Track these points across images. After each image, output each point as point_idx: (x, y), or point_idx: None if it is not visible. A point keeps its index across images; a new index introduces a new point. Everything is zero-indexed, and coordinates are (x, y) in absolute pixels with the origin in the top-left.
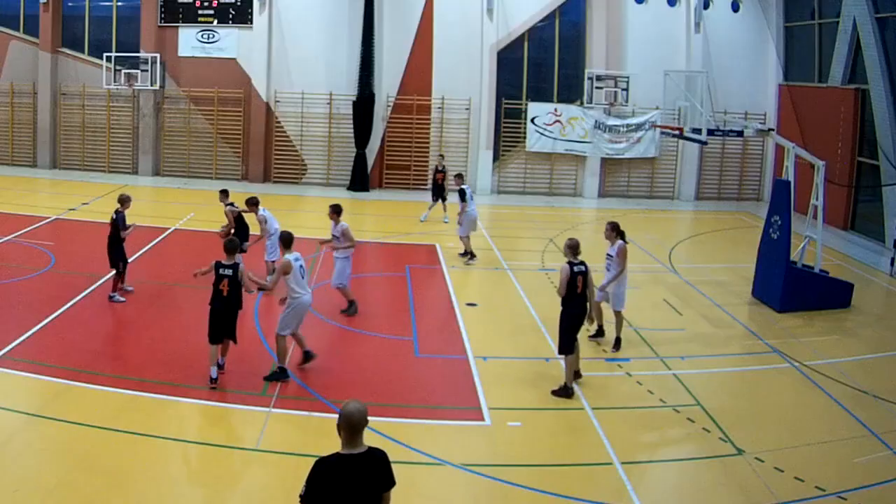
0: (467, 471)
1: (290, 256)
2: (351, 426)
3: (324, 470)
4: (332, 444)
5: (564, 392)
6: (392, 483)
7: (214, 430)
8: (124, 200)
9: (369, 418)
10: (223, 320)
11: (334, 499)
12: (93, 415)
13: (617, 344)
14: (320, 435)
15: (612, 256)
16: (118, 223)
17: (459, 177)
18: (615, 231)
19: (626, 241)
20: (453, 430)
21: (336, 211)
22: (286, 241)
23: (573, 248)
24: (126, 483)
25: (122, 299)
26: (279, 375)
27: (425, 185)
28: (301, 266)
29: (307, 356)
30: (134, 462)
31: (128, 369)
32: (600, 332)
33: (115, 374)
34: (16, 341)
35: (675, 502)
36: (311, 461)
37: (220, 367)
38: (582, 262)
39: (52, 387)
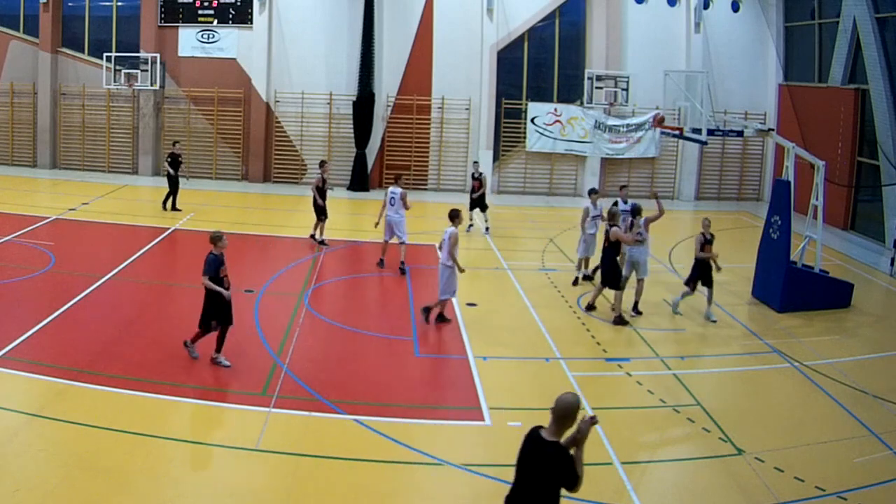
0: (467, 471)
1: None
2: (554, 413)
3: (526, 435)
4: (332, 444)
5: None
6: (569, 485)
7: (214, 430)
8: (217, 239)
9: (373, 418)
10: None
11: (517, 459)
12: (93, 415)
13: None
14: (320, 435)
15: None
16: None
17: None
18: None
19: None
20: (453, 430)
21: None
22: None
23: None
24: (126, 483)
25: (227, 363)
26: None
27: (425, 185)
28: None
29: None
30: (134, 462)
31: (128, 369)
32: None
33: (115, 374)
34: (16, 341)
35: (675, 502)
36: (312, 461)
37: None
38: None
39: (52, 387)
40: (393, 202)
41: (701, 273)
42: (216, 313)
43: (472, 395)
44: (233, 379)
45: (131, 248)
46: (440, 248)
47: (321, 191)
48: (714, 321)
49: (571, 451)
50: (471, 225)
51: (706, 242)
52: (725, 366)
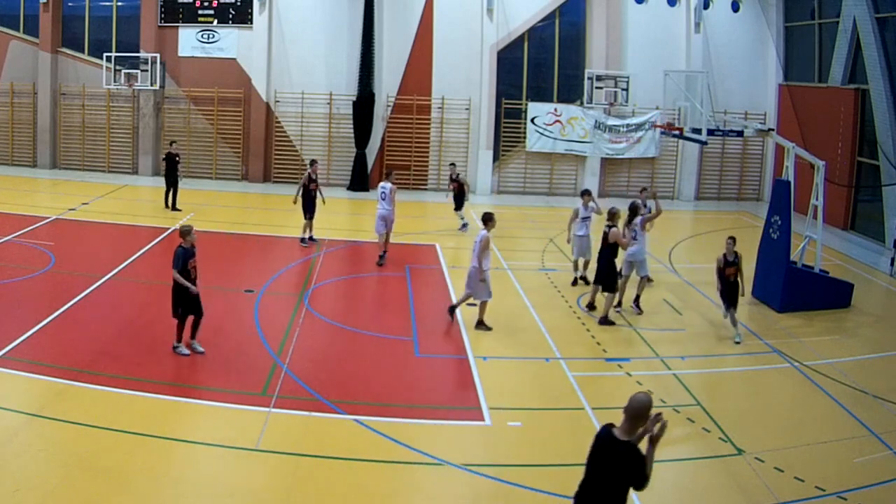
0: (467, 471)
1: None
2: (628, 412)
3: (597, 434)
4: (332, 444)
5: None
6: (638, 484)
7: (214, 430)
8: (185, 233)
9: (373, 418)
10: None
11: (588, 458)
12: (93, 415)
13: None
14: (320, 435)
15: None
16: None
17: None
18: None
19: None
20: (453, 430)
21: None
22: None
23: (613, 214)
24: (126, 483)
25: (187, 352)
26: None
27: (425, 185)
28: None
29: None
30: (134, 462)
31: (128, 369)
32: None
33: (115, 374)
34: (16, 341)
35: (675, 502)
36: (312, 461)
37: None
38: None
39: (52, 387)
40: (384, 196)
41: (727, 292)
42: (184, 303)
43: (472, 395)
44: (233, 379)
45: (131, 248)
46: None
47: (306, 189)
48: (738, 342)
49: (643, 449)
50: (465, 224)
51: (728, 265)
52: (725, 366)
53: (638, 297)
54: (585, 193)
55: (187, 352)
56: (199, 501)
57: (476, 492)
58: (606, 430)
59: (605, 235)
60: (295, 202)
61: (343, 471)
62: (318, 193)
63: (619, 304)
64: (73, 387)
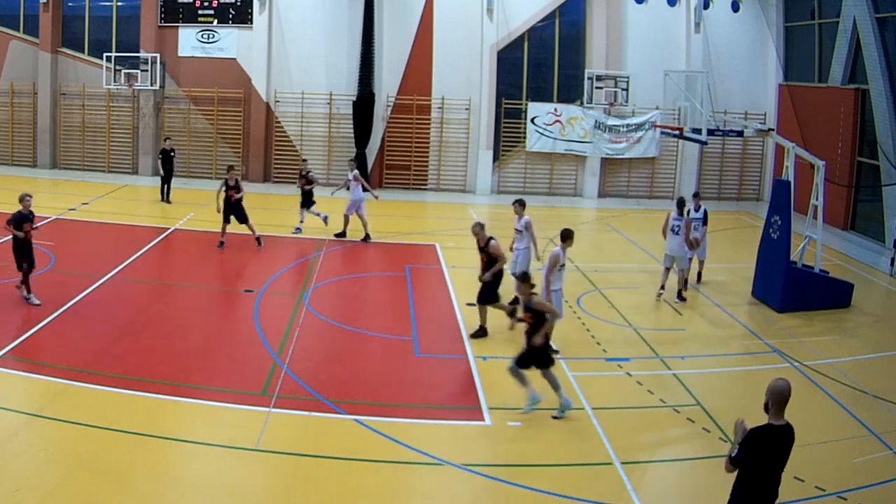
0: (467, 471)
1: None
2: (776, 402)
3: (758, 436)
4: (332, 444)
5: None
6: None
7: (214, 430)
8: (20, 200)
9: (373, 418)
10: None
11: (762, 460)
12: (93, 415)
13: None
14: (320, 435)
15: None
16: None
17: (352, 161)
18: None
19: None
20: (453, 430)
21: (521, 204)
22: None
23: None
24: (126, 483)
25: (37, 301)
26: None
27: (425, 185)
28: None
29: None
30: (134, 462)
31: (128, 369)
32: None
33: (115, 374)
34: (16, 341)
35: (675, 502)
36: (312, 461)
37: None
38: None
39: (52, 387)
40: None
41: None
42: (24, 257)
43: (472, 395)
44: (233, 379)
45: (131, 248)
46: None
47: (225, 195)
48: (524, 411)
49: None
50: (299, 228)
51: (526, 309)
52: (725, 366)
53: (679, 290)
54: (517, 203)
55: (38, 301)
56: (199, 501)
57: (476, 492)
58: (766, 428)
59: (486, 252)
60: (218, 210)
61: (343, 471)
62: (239, 198)
63: (683, 292)
64: (73, 387)
